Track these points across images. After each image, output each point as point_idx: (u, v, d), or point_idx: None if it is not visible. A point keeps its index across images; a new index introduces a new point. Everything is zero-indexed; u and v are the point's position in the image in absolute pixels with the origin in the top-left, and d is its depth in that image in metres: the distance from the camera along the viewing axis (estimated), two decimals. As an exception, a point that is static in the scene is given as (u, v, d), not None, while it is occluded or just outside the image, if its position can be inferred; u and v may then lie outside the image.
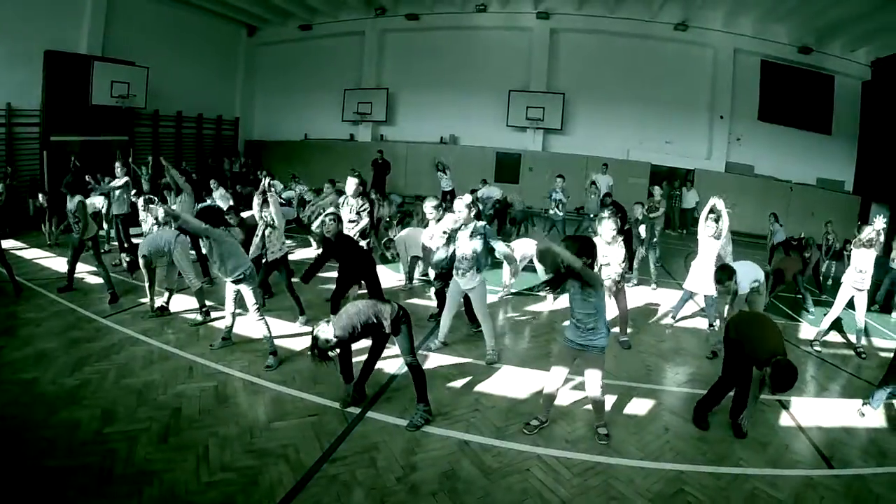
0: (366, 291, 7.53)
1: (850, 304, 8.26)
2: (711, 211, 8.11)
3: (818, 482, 4.95)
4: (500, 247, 6.57)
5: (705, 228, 8.14)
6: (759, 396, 5.35)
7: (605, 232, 7.07)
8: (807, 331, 9.08)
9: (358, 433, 4.90)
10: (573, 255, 4.39)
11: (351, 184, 8.00)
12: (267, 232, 7.34)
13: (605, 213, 7.39)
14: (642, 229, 10.65)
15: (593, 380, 4.97)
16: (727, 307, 6.98)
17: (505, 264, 8.89)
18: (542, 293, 9.17)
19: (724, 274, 6.89)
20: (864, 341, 8.60)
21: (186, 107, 20.75)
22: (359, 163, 17.64)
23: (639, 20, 19.89)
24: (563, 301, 9.19)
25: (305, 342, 6.66)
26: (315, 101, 22.92)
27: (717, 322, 8.07)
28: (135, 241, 9.31)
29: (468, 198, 6.45)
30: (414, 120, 21.98)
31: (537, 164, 19.85)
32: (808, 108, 20.44)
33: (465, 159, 20.06)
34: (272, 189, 7.47)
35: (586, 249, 4.52)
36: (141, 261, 7.40)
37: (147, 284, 7.63)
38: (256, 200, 7.55)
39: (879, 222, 7.83)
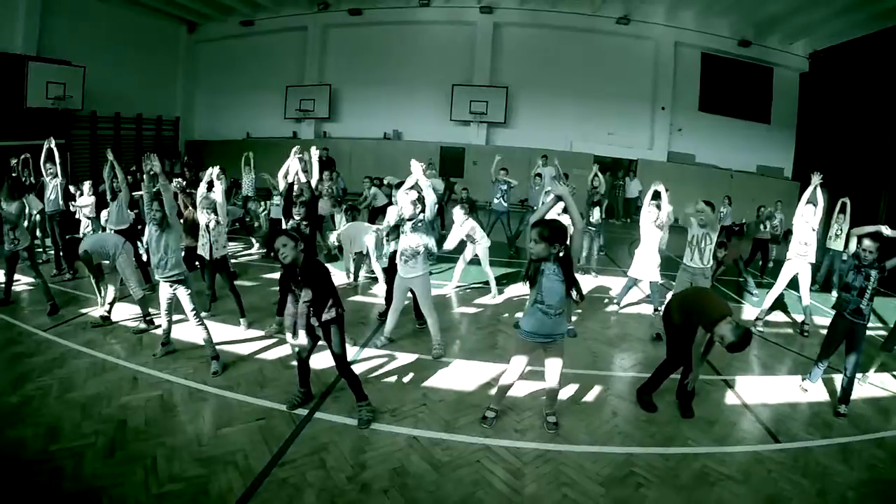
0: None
1: (792, 284, 8.50)
2: (654, 197, 8.25)
3: (766, 457, 5.06)
4: (430, 243, 6.53)
5: (648, 215, 8.26)
6: (704, 359, 5.43)
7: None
8: (749, 312, 9.32)
9: (306, 435, 4.79)
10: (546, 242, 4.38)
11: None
12: (211, 226, 7.13)
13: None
14: (595, 212, 10.79)
15: (555, 369, 4.92)
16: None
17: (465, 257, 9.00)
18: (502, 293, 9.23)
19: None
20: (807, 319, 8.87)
21: (125, 107, 20.18)
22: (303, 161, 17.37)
23: (581, 14, 20.20)
24: (507, 294, 9.33)
25: (250, 346, 6.58)
26: (257, 98, 22.61)
27: (662, 307, 8.22)
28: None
29: (414, 194, 6.41)
30: (357, 116, 21.85)
31: (481, 158, 19.74)
32: (747, 99, 21.17)
33: (409, 154, 19.78)
34: (220, 179, 7.34)
35: (559, 234, 4.42)
36: (81, 255, 7.16)
37: (94, 281, 7.38)
38: (202, 190, 7.36)
39: (816, 179, 8.08)
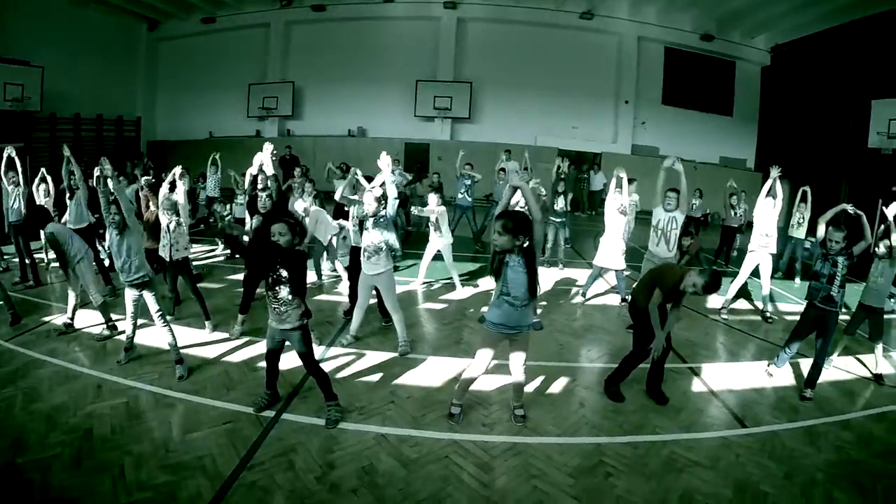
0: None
1: (755, 272, 8.64)
2: (618, 185, 8.35)
3: (733, 441, 5.11)
4: (391, 239, 6.50)
5: (612, 202, 8.35)
6: (666, 327, 5.46)
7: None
8: (714, 300, 9.42)
9: (274, 436, 4.72)
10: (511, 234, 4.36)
11: None
12: (172, 226, 6.98)
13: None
14: (560, 201, 10.82)
15: (519, 361, 4.90)
16: None
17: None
18: (465, 287, 9.22)
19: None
20: (769, 307, 9.01)
21: (85, 108, 19.69)
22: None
23: (545, 9, 20.31)
24: (472, 289, 9.32)
25: (215, 349, 6.47)
26: (220, 97, 22.27)
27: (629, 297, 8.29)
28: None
29: (378, 191, 6.38)
30: (321, 113, 21.65)
31: (446, 154, 19.81)
32: (710, 92, 21.59)
33: (374, 151, 19.56)
34: (182, 179, 7.22)
35: (523, 226, 4.39)
36: (47, 236, 6.97)
37: (59, 264, 7.16)
38: (164, 191, 7.22)
39: (774, 172, 8.20)
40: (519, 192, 4.71)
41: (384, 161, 6.44)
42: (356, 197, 7.08)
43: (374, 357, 6.46)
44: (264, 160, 7.80)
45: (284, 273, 4.61)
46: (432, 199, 8.79)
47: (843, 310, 9.23)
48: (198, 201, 13.19)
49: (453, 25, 20.74)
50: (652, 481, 4.41)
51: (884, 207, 6.91)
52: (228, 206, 11.52)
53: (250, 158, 7.77)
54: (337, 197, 7.32)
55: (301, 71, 21.69)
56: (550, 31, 20.69)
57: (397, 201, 6.53)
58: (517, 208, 6.58)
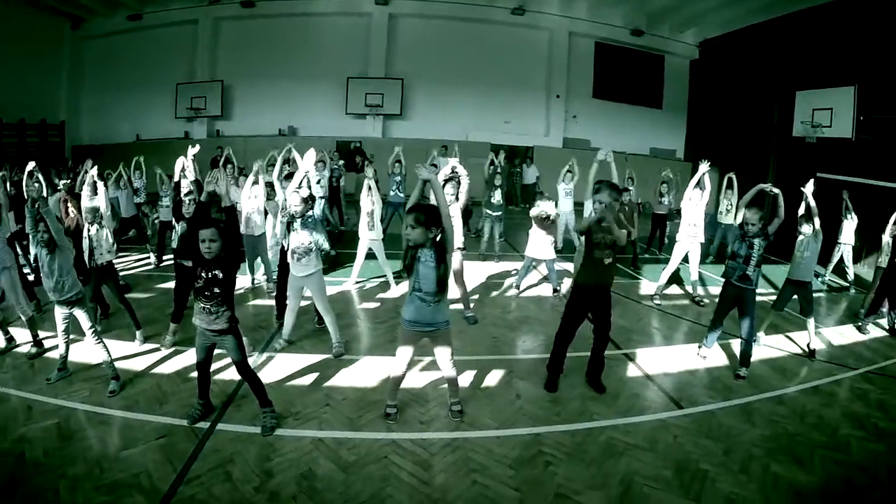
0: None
1: (686, 259, 8.87)
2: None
3: (670, 423, 5.23)
4: (321, 240, 6.42)
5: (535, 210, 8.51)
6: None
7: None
8: (647, 287, 9.64)
9: (210, 448, 4.57)
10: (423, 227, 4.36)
11: None
12: (93, 231, 6.58)
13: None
14: (497, 194, 10.88)
15: (445, 357, 4.89)
16: None
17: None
18: (400, 278, 9.12)
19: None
20: (701, 290, 9.31)
21: (6, 113, 18.67)
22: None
23: (476, 5, 20.36)
24: (406, 286, 9.28)
25: (146, 361, 6.26)
26: (147, 98, 21.39)
27: (561, 287, 8.41)
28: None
29: (305, 191, 6.28)
30: (251, 113, 21.18)
31: (378, 151, 19.43)
32: (640, 86, 22.16)
33: (305, 150, 19.13)
34: (104, 179, 6.97)
35: (435, 218, 4.40)
36: None
37: None
38: (86, 192, 6.94)
39: (704, 166, 8.41)
40: (434, 185, 4.69)
41: (310, 157, 6.36)
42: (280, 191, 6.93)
43: (308, 360, 6.32)
44: (186, 164, 7.63)
45: (219, 273, 4.52)
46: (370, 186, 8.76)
47: (770, 289, 9.65)
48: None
49: (385, 21, 20.60)
50: (592, 467, 4.45)
51: (802, 188, 7.16)
52: (155, 210, 11.17)
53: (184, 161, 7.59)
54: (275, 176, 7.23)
55: (230, 69, 21.13)
56: (482, 26, 20.80)
57: (322, 200, 6.46)
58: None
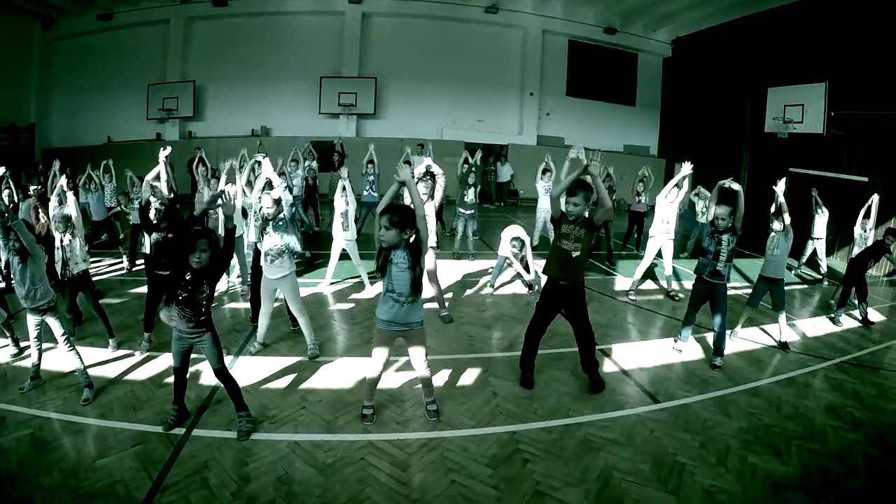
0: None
1: (659, 254, 9.01)
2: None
3: (647, 417, 5.24)
4: (293, 242, 6.38)
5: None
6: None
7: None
8: (622, 283, 9.73)
9: (186, 454, 4.50)
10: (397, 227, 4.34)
11: None
12: (66, 241, 6.46)
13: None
14: (470, 193, 10.91)
15: (419, 357, 4.87)
16: None
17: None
18: (374, 279, 9.07)
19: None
20: (676, 285, 9.42)
21: None
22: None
23: (450, 3, 20.38)
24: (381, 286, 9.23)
25: (120, 368, 6.17)
26: (118, 99, 20.92)
27: (535, 286, 8.43)
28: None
29: (276, 192, 6.24)
30: (224, 113, 20.86)
31: (352, 151, 19.29)
32: (613, 83, 22.40)
33: (279, 151, 18.81)
34: (74, 184, 6.85)
35: (409, 219, 4.38)
36: None
37: None
38: (54, 202, 6.82)
39: (686, 168, 8.54)
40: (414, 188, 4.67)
41: (266, 166, 6.34)
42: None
43: (283, 363, 6.24)
44: (160, 170, 7.54)
45: (206, 286, 4.51)
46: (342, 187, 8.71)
47: (744, 283, 9.75)
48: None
49: (358, 20, 20.50)
50: (570, 463, 4.44)
51: (774, 186, 7.25)
52: (130, 202, 10.98)
53: (151, 165, 7.46)
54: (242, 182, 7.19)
55: (202, 69, 20.81)
56: (456, 25, 20.83)
57: (297, 200, 6.41)
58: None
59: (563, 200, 5.56)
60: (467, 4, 20.44)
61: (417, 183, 7.09)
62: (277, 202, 6.10)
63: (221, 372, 4.76)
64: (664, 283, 9.50)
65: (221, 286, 8.73)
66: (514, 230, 8.60)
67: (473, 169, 11.12)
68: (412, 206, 4.49)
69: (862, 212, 9.37)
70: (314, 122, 20.57)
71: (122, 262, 10.33)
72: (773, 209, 7.39)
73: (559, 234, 5.46)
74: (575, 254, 5.35)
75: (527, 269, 8.70)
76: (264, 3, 20.32)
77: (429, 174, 7.29)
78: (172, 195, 7.64)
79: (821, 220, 11.17)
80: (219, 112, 20.82)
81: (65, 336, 5.52)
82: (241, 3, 20.23)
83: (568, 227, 5.37)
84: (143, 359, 6.30)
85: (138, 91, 20.50)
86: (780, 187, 7.19)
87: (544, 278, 5.69)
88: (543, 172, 11.46)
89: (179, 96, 20.37)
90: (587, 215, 5.34)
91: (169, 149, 7.65)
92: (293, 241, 6.22)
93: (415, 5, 20.43)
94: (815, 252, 11.34)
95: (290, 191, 11.55)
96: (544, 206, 11.43)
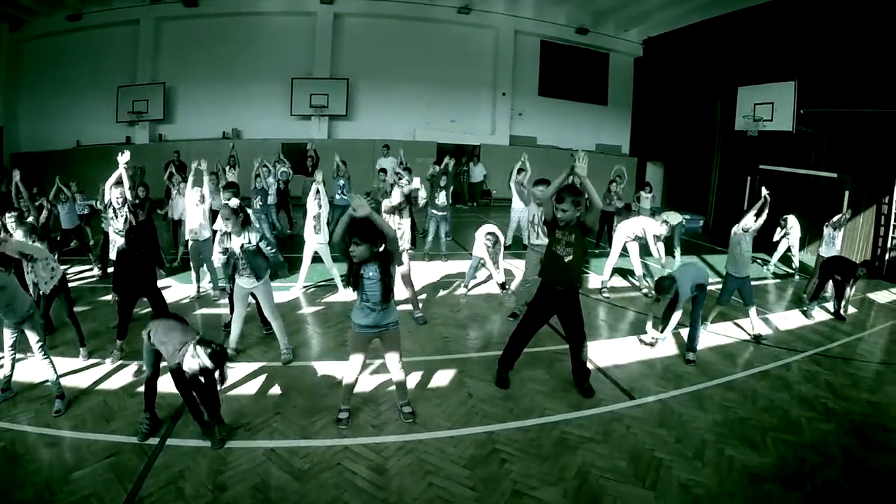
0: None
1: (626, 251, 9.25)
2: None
3: (623, 414, 5.28)
4: (264, 246, 6.32)
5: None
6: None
7: (394, 197, 7.26)
8: (595, 281, 9.84)
9: (160, 465, 4.41)
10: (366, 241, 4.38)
11: None
12: (28, 269, 6.27)
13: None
14: (441, 196, 10.91)
15: (394, 359, 4.88)
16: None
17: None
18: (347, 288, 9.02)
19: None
20: (649, 281, 9.49)
21: None
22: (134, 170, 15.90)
23: (422, 4, 20.28)
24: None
25: (92, 377, 6.06)
26: (88, 102, 20.31)
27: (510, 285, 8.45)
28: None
29: (235, 202, 6.15)
30: (194, 116, 20.39)
31: (323, 153, 19.15)
32: (585, 83, 22.55)
33: (251, 153, 18.53)
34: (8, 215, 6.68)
35: (377, 234, 4.41)
36: None
37: None
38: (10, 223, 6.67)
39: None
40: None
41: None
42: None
43: (256, 368, 6.16)
44: (121, 174, 7.43)
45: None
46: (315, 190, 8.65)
47: (717, 278, 9.86)
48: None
49: (330, 21, 20.31)
50: (547, 462, 4.45)
51: (766, 191, 7.44)
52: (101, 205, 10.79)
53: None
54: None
55: (173, 71, 20.39)
56: (428, 25, 20.75)
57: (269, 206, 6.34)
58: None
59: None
60: (439, 5, 20.38)
61: (393, 187, 7.13)
62: (236, 211, 6.01)
63: (194, 378, 4.68)
64: (636, 281, 9.58)
65: (190, 291, 8.61)
66: (488, 227, 8.62)
67: (445, 172, 11.12)
68: (382, 231, 4.48)
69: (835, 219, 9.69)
70: (286, 124, 20.35)
71: (92, 270, 10.18)
72: (755, 209, 7.45)
73: (552, 239, 5.48)
74: (567, 258, 5.35)
75: (496, 265, 8.72)
76: (235, 3, 20.02)
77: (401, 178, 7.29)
78: (139, 201, 7.54)
79: (793, 218, 11.38)
80: (189, 114, 20.42)
81: (40, 344, 5.40)
82: (212, 3, 19.91)
83: (560, 233, 5.37)
84: (115, 368, 6.18)
85: (108, 93, 20.06)
86: (766, 191, 7.43)
87: (518, 277, 5.69)
88: (518, 172, 11.51)
89: (149, 98, 19.95)
90: (578, 219, 5.34)
91: (127, 153, 7.52)
92: (262, 271, 6.14)
93: (387, 6, 20.30)
94: (788, 247, 11.52)
95: (266, 197, 11.57)
96: (518, 206, 11.43)
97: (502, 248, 8.77)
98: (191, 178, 8.26)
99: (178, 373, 4.44)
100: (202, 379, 4.53)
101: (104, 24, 20.05)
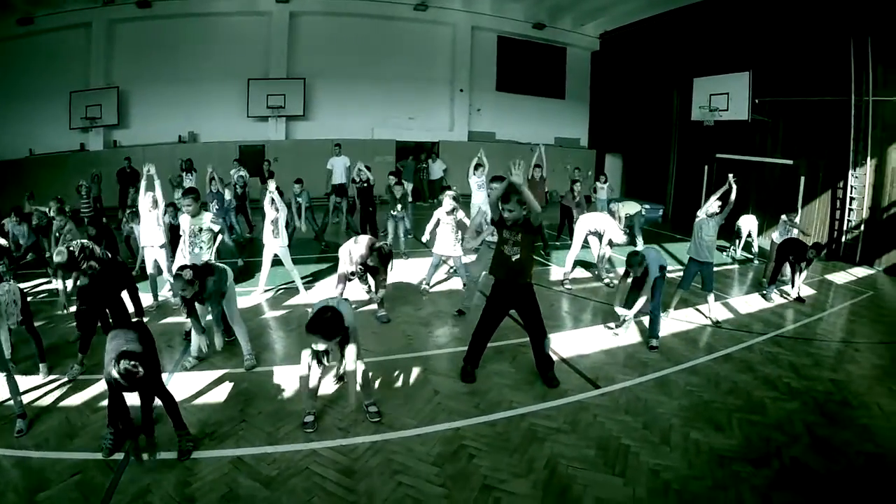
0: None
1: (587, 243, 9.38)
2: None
3: (589, 403, 5.32)
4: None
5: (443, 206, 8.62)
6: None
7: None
8: (557, 273, 9.89)
9: (126, 480, 4.28)
10: None
11: None
12: None
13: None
14: (398, 207, 10.85)
15: (351, 357, 4.77)
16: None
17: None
18: (309, 285, 8.97)
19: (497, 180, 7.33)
20: (612, 272, 9.73)
21: None
22: (91, 176, 15.12)
23: (379, 1, 20.17)
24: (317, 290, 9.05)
25: (52, 394, 5.90)
26: (40, 109, 19.38)
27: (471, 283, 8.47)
28: None
29: (188, 273, 5.97)
30: (149, 120, 19.82)
31: (282, 154, 19.07)
32: (543, 77, 22.70)
33: (208, 157, 17.08)
34: None
35: (338, 328, 4.56)
36: None
37: None
38: None
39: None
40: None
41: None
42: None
43: (220, 376, 6.03)
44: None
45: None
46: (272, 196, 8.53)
47: (678, 266, 10.01)
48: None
49: (286, 20, 20.02)
50: (515, 455, 4.45)
51: (732, 177, 7.60)
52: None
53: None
54: None
55: (126, 74, 19.75)
56: (384, 22, 20.64)
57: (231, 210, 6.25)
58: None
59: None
60: (396, 2, 20.29)
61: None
62: (191, 282, 5.87)
63: (158, 388, 4.61)
64: (598, 271, 9.66)
65: (148, 300, 8.42)
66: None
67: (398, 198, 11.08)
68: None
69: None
70: (243, 126, 19.99)
71: (50, 283, 9.90)
72: (718, 194, 7.58)
73: (500, 238, 5.52)
74: (515, 257, 5.39)
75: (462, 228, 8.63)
76: (189, 4, 19.55)
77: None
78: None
79: (744, 220, 11.93)
80: (144, 119, 19.89)
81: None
82: (166, 4, 19.40)
83: (507, 233, 5.42)
84: (76, 384, 6.04)
85: (61, 99, 19.32)
86: (732, 177, 7.57)
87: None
88: (476, 168, 11.48)
89: (103, 103, 19.32)
90: (525, 217, 5.37)
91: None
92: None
93: (343, 4, 20.15)
94: (749, 233, 11.79)
95: (222, 202, 11.43)
96: (477, 202, 11.45)
97: (464, 216, 8.72)
98: (143, 184, 8.09)
99: (108, 384, 4.36)
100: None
101: (56, 27, 19.28)
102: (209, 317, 6.13)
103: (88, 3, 18.94)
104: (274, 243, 8.53)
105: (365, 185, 12.06)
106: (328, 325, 4.45)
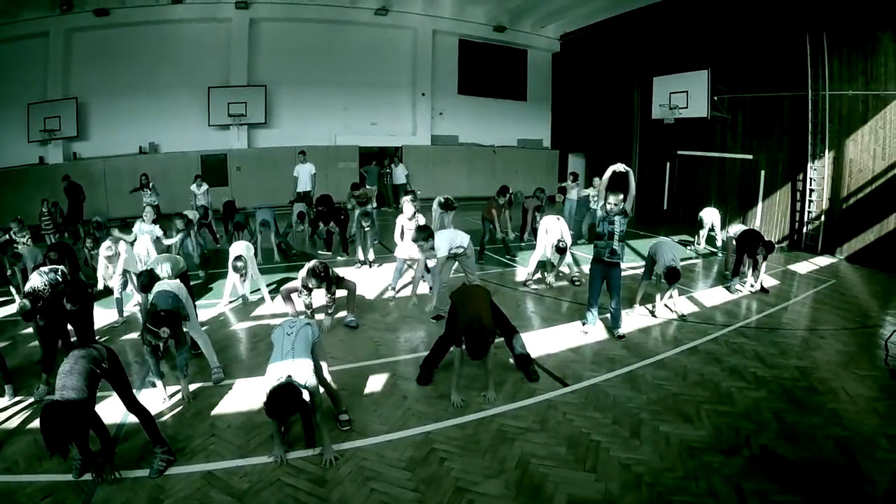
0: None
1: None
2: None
3: (558, 401, 5.36)
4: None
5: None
6: (460, 372, 5.41)
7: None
8: (522, 274, 9.89)
9: (98, 500, 4.18)
10: None
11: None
12: None
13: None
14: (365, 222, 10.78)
15: (326, 374, 4.84)
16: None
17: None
18: (274, 293, 8.87)
19: (420, 234, 7.53)
20: (577, 271, 9.84)
21: None
22: (51, 191, 15.06)
23: (339, 6, 20.03)
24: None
25: (19, 416, 5.78)
26: None
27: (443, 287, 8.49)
28: None
29: (166, 331, 5.88)
30: (109, 131, 19.23)
31: (245, 163, 18.98)
32: (504, 80, 22.86)
33: (169, 168, 18.18)
34: None
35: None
36: None
37: None
38: None
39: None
40: None
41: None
42: None
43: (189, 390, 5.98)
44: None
45: None
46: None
47: (640, 261, 10.12)
48: None
49: (245, 26, 19.79)
50: (486, 456, 4.47)
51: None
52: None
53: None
54: None
55: (85, 85, 19.15)
56: (345, 27, 20.53)
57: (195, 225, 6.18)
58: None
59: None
60: (356, 7, 20.21)
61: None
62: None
63: (132, 402, 4.55)
64: (566, 270, 9.67)
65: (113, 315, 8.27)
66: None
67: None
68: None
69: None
70: (204, 135, 19.61)
71: (13, 300, 9.64)
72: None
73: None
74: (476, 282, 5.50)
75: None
76: (148, 11, 19.10)
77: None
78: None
79: (706, 212, 12.16)
80: (104, 130, 19.32)
81: None
82: (124, 12, 18.92)
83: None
84: (42, 404, 5.92)
85: (18, 111, 18.62)
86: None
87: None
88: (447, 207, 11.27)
89: (62, 115, 18.70)
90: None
91: None
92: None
93: (303, 9, 19.93)
94: (712, 227, 11.97)
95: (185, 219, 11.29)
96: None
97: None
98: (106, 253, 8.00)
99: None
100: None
101: (11, 37, 18.61)
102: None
103: (45, 11, 18.31)
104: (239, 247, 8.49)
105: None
106: (287, 406, 4.30)
